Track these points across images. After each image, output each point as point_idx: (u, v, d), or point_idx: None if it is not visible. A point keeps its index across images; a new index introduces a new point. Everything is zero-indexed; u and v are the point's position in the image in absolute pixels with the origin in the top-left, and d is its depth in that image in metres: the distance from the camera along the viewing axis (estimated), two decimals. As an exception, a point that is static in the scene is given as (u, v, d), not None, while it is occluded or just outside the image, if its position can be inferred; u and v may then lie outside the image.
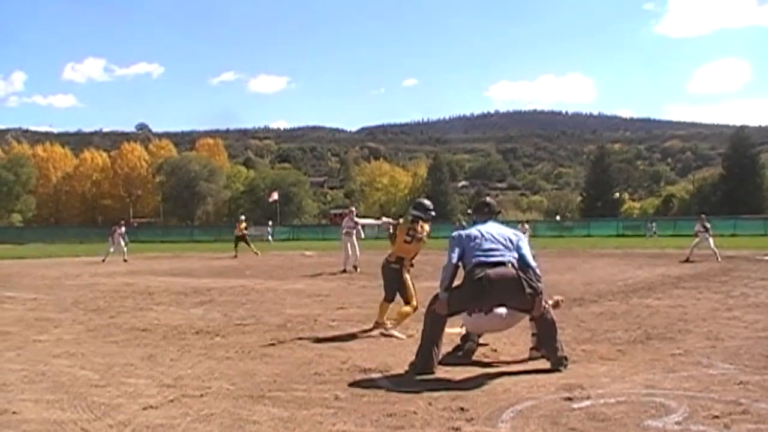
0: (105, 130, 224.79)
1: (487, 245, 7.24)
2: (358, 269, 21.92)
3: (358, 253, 22.78)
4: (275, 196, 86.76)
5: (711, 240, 25.64)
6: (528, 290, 6.94)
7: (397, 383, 6.45)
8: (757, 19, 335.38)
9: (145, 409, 5.66)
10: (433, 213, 10.01)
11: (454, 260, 7.27)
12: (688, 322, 10.03)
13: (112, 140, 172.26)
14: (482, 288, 6.93)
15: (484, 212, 7.86)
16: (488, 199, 8.28)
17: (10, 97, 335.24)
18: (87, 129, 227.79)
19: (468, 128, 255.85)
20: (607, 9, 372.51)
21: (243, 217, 37.21)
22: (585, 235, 67.76)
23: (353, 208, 26.01)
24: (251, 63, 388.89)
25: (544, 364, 7.00)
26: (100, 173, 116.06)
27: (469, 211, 8.25)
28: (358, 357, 7.74)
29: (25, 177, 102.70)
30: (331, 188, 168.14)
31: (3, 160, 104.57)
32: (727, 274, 18.69)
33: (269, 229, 62.63)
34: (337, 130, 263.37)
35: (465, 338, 7.81)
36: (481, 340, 7.95)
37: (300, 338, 9.23)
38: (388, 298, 9.81)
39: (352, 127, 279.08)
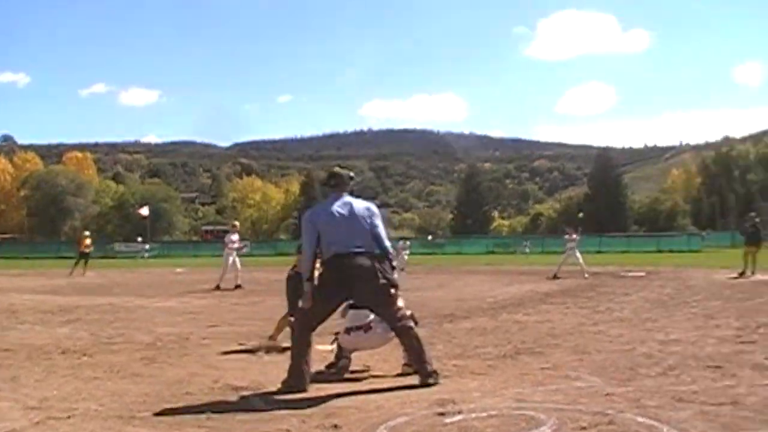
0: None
1: (341, 231, 7.09)
2: (241, 286, 21.85)
3: (239, 269, 22.78)
4: (145, 211, 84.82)
5: (579, 253, 26.37)
6: (382, 281, 7.01)
7: (270, 402, 6.39)
8: (621, 46, 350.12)
9: (7, 432, 5.44)
10: None
11: (312, 248, 7.17)
12: (556, 337, 10.32)
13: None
14: (339, 282, 7.00)
15: (332, 185, 7.44)
16: (337, 169, 7.65)
17: None
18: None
19: (341, 145, 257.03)
20: (479, 30, 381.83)
21: (87, 233, 35.63)
22: (456, 253, 69.09)
23: (236, 223, 25.92)
24: (122, 75, 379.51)
25: (416, 379, 7.08)
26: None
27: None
28: (230, 376, 7.65)
29: None
30: (203, 204, 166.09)
31: None
32: (593, 289, 19.34)
33: (146, 246, 60.45)
34: (209, 145, 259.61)
35: (338, 355, 7.81)
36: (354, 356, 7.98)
37: (171, 357, 9.06)
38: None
39: (225, 142, 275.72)
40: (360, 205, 7.29)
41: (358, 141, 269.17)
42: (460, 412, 5.77)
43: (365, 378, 7.52)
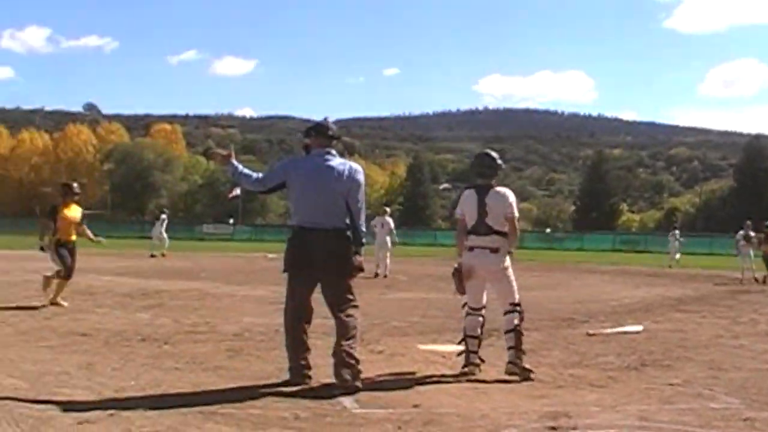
0: (47, 108, 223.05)
1: (310, 198, 6.97)
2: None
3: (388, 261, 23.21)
4: (237, 191, 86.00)
5: (752, 254, 26.11)
6: (344, 267, 7.03)
7: (363, 403, 6.42)
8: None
9: (80, 423, 5.58)
10: None
11: (264, 185, 7.32)
12: (688, 349, 10.09)
13: (55, 120, 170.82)
14: (300, 260, 7.00)
15: (312, 136, 7.27)
16: (324, 120, 7.47)
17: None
18: (27, 106, 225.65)
19: (453, 125, 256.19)
20: (612, 1, 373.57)
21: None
22: (577, 249, 68.14)
23: (387, 208, 26.63)
24: (216, 42, 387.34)
25: (526, 387, 7.00)
26: (40, 157, 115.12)
27: None
28: (321, 372, 7.68)
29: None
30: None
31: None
32: (734, 297, 18.85)
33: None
34: (308, 121, 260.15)
35: (467, 360, 7.83)
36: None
37: (258, 350, 9.20)
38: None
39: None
40: (341, 167, 7.08)
41: (472, 120, 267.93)
42: (574, 428, 5.70)
43: (470, 381, 7.46)
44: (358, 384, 6.77)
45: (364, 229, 7.13)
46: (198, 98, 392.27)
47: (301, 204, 7.01)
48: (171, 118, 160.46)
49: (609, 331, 11.59)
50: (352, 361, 6.84)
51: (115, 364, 8.03)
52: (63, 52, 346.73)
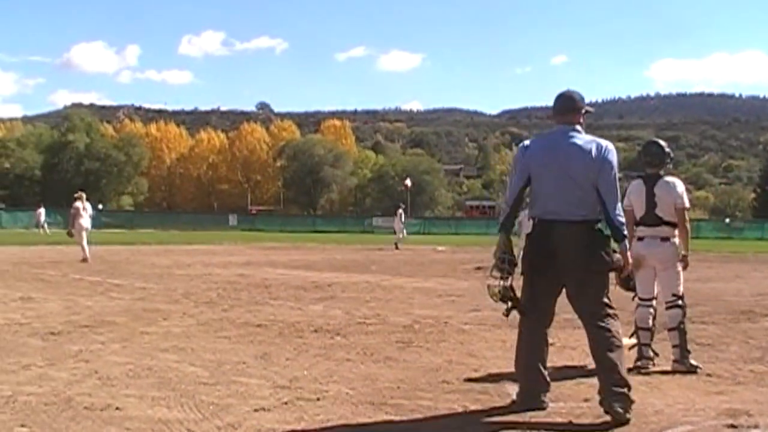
0: (223, 108, 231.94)
1: (551, 185, 5.82)
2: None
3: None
4: (408, 183, 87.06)
5: None
6: (596, 265, 5.80)
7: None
8: None
9: (256, 411, 5.76)
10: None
11: (517, 191, 5.97)
12: None
13: (230, 120, 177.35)
14: (542, 256, 5.83)
15: (559, 111, 6.13)
16: (567, 91, 6.23)
17: (122, 71, 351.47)
18: (203, 107, 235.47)
19: (624, 112, 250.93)
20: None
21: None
22: (758, 239, 65.50)
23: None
24: (382, 37, 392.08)
25: (702, 382, 6.79)
26: (216, 155, 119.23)
27: None
28: (491, 365, 7.68)
29: (137, 158, 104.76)
30: (468, 177, 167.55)
31: (114, 139, 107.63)
32: None
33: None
34: (475, 113, 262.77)
35: (640, 353, 7.69)
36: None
37: (428, 342, 9.23)
38: None
39: (493, 109, 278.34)
40: (589, 147, 5.83)
41: (644, 107, 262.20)
42: (756, 427, 5.48)
43: (643, 375, 7.29)
44: (629, 416, 5.53)
45: (622, 220, 5.84)
46: (366, 93, 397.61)
47: (541, 191, 5.88)
48: (340, 114, 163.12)
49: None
50: (623, 390, 5.58)
51: (288, 354, 8.22)
52: (236, 55, 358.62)
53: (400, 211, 39.31)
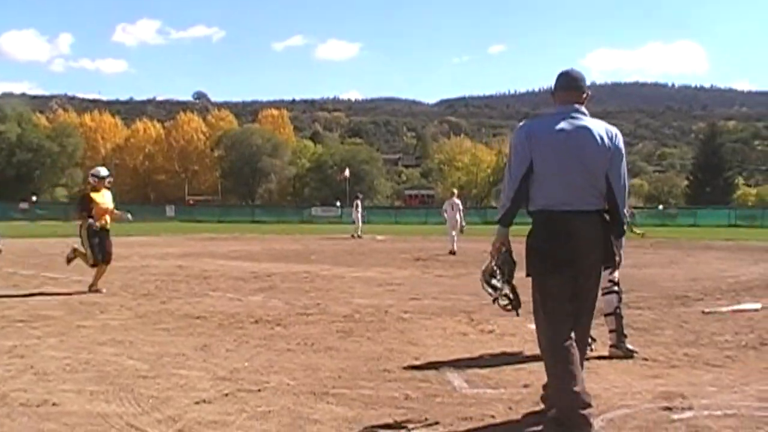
0: (159, 98, 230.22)
1: (559, 172, 5.16)
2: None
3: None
4: (346, 173, 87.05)
5: None
6: (609, 263, 5.38)
7: (473, 383, 6.43)
8: None
9: (197, 403, 5.74)
10: None
11: (517, 180, 5.28)
12: (810, 327, 9.75)
13: (166, 110, 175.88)
14: (559, 254, 5.15)
15: (561, 88, 5.51)
16: (572, 69, 5.64)
17: (55, 60, 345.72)
18: (139, 97, 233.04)
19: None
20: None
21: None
22: (691, 225, 66.51)
23: (455, 190, 28.56)
24: (320, 26, 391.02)
25: (639, 366, 6.90)
26: (153, 146, 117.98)
27: None
28: (431, 353, 7.73)
29: (72, 148, 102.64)
30: (407, 166, 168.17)
31: (47, 130, 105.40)
32: None
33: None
34: (414, 102, 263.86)
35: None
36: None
37: (368, 331, 9.25)
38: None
39: (431, 99, 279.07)
40: (598, 131, 5.23)
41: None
42: (690, 408, 5.59)
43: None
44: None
45: (626, 212, 5.41)
46: (304, 83, 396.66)
47: (547, 180, 5.19)
48: (278, 104, 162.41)
49: (725, 309, 11.29)
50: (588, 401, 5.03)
51: (229, 345, 8.19)
52: (172, 43, 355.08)
53: (358, 201, 39.59)
